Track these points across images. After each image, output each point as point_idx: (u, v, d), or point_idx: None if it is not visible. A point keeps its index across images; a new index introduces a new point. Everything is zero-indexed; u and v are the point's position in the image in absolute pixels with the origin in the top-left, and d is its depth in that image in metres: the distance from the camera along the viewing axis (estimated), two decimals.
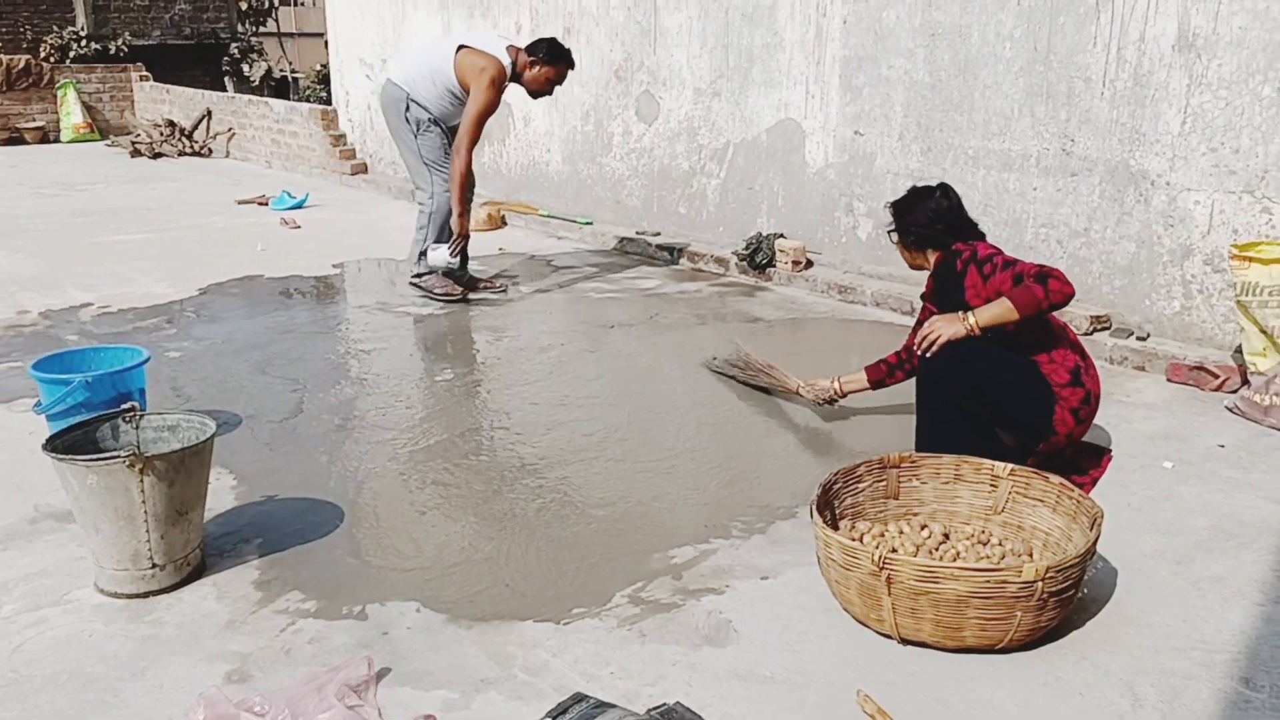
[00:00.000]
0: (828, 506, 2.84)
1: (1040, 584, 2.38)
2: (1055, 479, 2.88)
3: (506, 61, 5.48)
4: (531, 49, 5.55)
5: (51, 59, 15.44)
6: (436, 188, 5.70)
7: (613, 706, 2.18)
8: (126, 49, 16.37)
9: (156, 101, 13.97)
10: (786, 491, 3.40)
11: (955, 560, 2.77)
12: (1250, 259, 3.90)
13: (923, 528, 2.93)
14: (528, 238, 7.75)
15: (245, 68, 18.36)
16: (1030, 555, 2.84)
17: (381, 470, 3.59)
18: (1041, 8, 4.98)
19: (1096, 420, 3.61)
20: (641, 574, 2.88)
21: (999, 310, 3.13)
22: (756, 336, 5.22)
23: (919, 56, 5.56)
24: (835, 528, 2.83)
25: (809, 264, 6.17)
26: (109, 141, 13.54)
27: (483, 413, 4.16)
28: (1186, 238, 4.63)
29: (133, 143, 12.55)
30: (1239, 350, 4.20)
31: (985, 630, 2.44)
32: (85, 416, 3.06)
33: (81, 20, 16.64)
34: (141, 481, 2.66)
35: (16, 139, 13.69)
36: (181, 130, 12.70)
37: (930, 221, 3.43)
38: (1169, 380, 4.42)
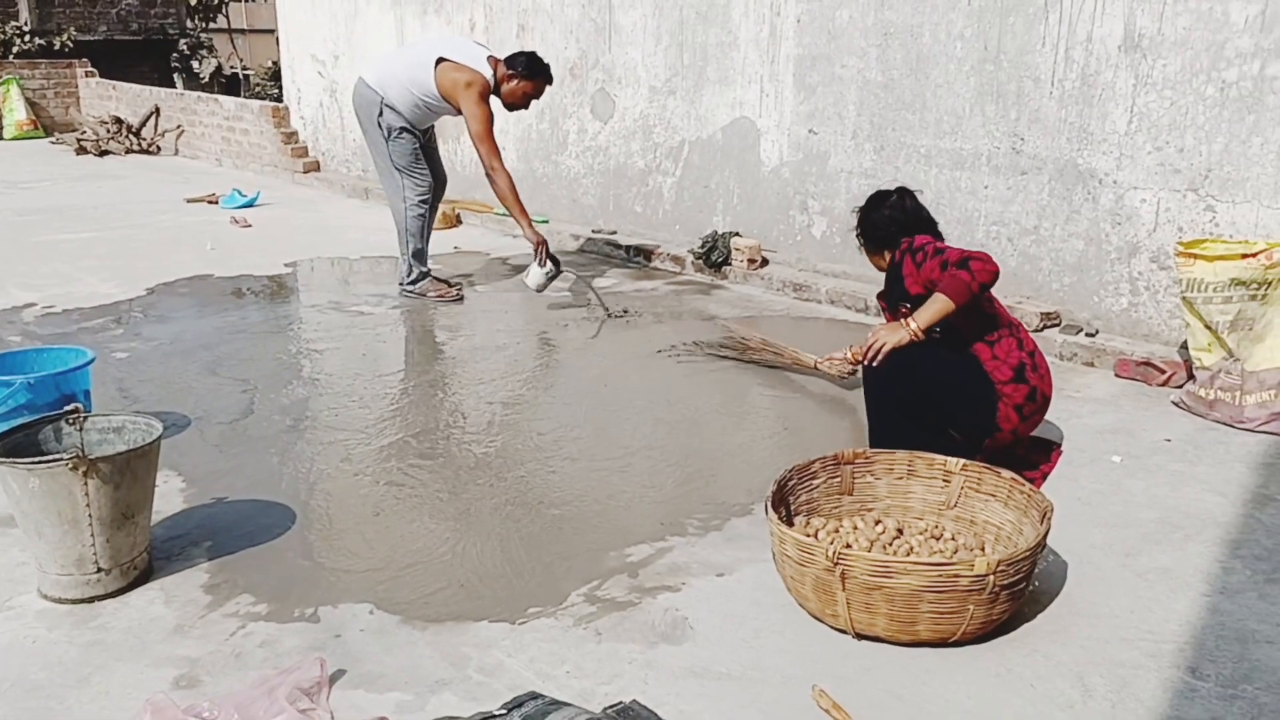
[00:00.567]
0: (783, 503, 2.85)
1: (992, 578, 2.40)
2: (1006, 474, 2.92)
3: (488, 73, 5.47)
4: (510, 62, 5.54)
5: None
6: (407, 193, 5.68)
7: (566, 704, 2.17)
8: (71, 44, 16.05)
9: (103, 98, 13.72)
10: (742, 488, 3.41)
11: (909, 555, 2.79)
12: (1195, 256, 3.96)
13: (877, 523, 2.95)
14: (483, 236, 7.70)
15: (195, 64, 18.07)
16: (982, 549, 2.87)
17: (334, 471, 3.55)
18: (992, 8, 5.04)
19: (1048, 415, 3.66)
20: (598, 572, 2.87)
21: (936, 308, 3.20)
22: (712, 335, 5.22)
23: (872, 55, 5.60)
24: (790, 524, 2.84)
25: (764, 262, 6.20)
26: (54, 139, 13.26)
27: (438, 412, 4.13)
28: (1133, 235, 4.71)
29: (78, 140, 12.31)
30: (1184, 346, 4.27)
31: (938, 624, 2.46)
32: (28, 419, 2.99)
33: (25, 15, 16.29)
34: (85, 484, 2.61)
35: None
36: (129, 127, 12.47)
37: (887, 224, 3.51)
38: (1117, 376, 4.49)
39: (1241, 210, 4.35)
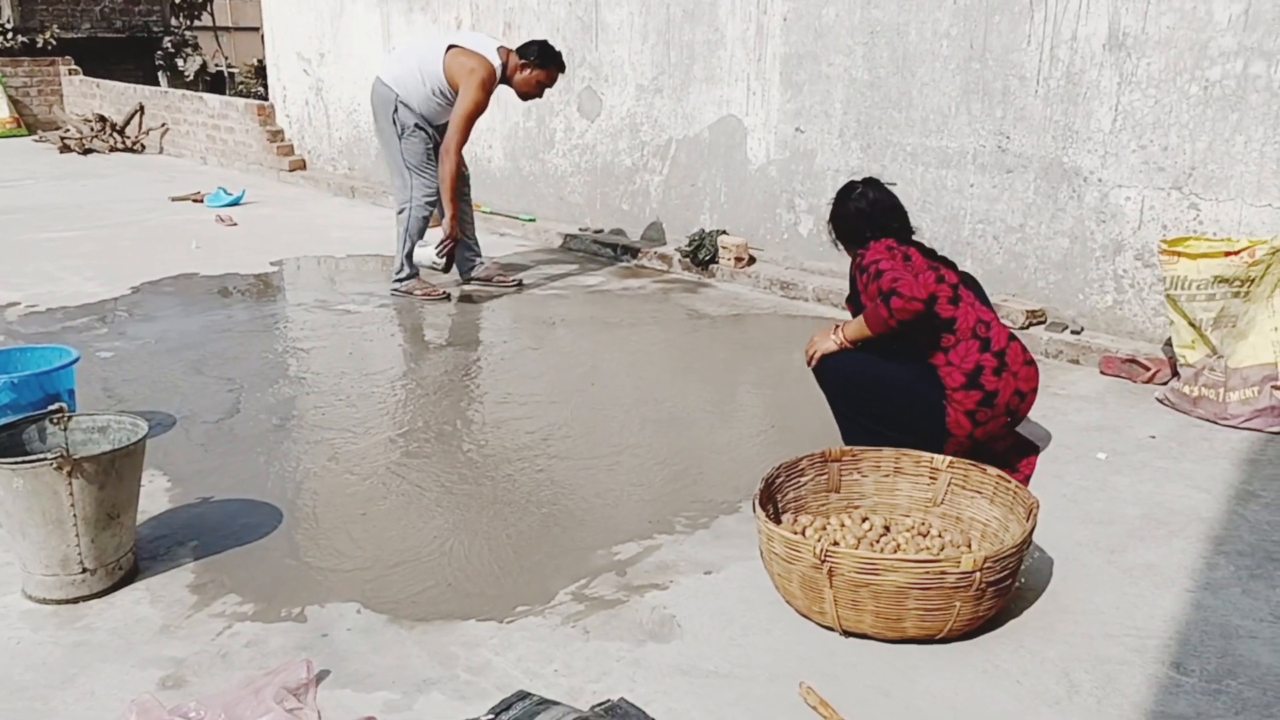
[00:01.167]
0: (770, 500, 2.86)
1: (978, 574, 2.41)
2: (993, 471, 2.93)
3: (497, 63, 5.47)
4: (523, 51, 5.55)
5: None
6: (415, 192, 5.68)
7: (556, 704, 2.17)
8: (54, 42, 15.95)
9: (86, 96, 13.63)
10: (729, 486, 3.41)
11: (895, 552, 2.80)
12: (1179, 254, 3.99)
13: (864, 520, 2.96)
14: None
15: (179, 62, 17.98)
16: (969, 546, 2.88)
17: (321, 470, 3.54)
18: (977, 6, 5.05)
19: (1033, 413, 3.67)
20: (585, 571, 2.87)
21: (858, 327, 3.33)
22: (699, 332, 5.23)
23: (858, 54, 5.61)
24: (778, 522, 2.84)
25: (751, 260, 6.20)
26: (37, 137, 13.18)
27: (425, 411, 4.12)
28: (1118, 233, 4.73)
29: (62, 138, 12.23)
30: (1169, 343, 4.30)
31: (925, 621, 2.47)
32: (11, 418, 2.97)
33: (7, 12, 16.17)
34: (70, 484, 2.59)
35: None
36: (113, 125, 12.40)
37: (854, 218, 3.49)
38: (1102, 373, 4.51)
39: (1225, 208, 4.37)
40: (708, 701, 2.31)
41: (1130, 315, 4.75)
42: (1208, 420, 3.93)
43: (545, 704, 2.16)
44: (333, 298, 5.84)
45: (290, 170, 10.13)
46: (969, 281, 3.47)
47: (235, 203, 8.70)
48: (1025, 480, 3.41)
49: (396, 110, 5.56)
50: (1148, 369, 4.37)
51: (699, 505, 3.28)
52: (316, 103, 9.99)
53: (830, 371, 3.46)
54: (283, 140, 10.42)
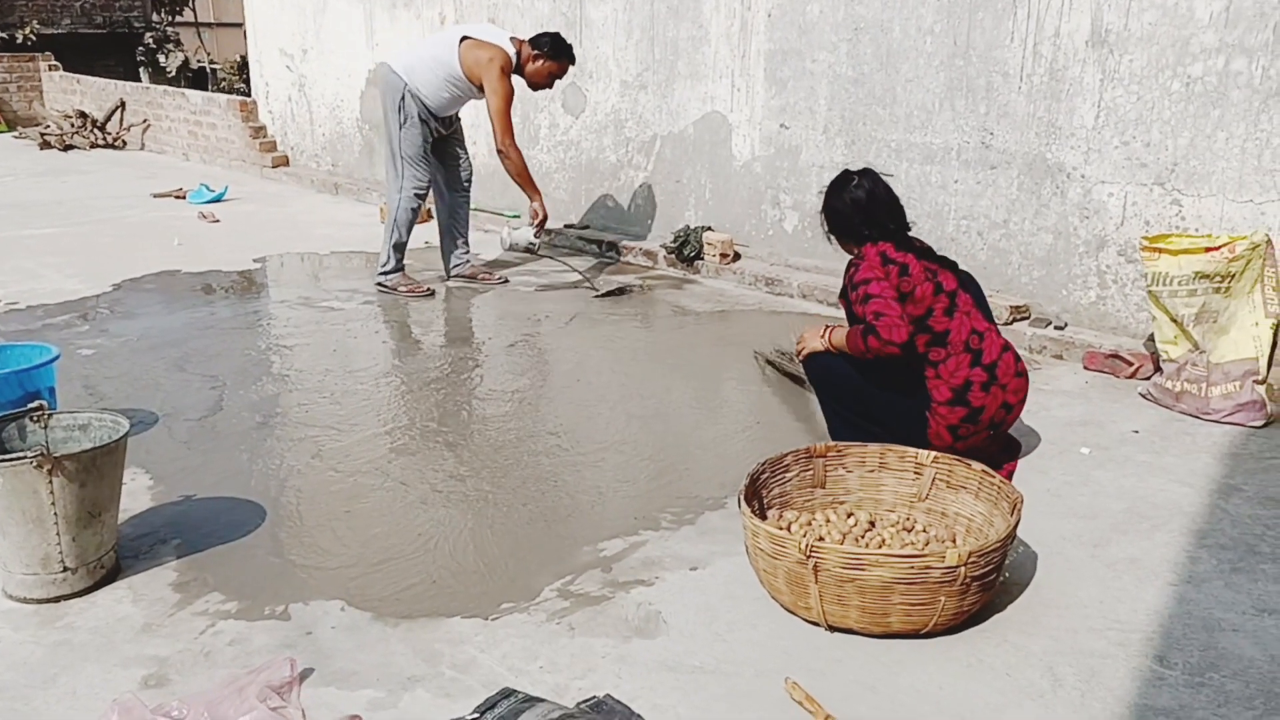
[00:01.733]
0: (756, 496, 2.86)
1: (963, 569, 2.42)
2: (977, 466, 2.94)
3: (511, 51, 5.50)
4: (535, 42, 5.60)
5: None
6: (405, 183, 5.70)
7: (541, 701, 2.16)
8: (34, 38, 15.83)
9: (67, 92, 13.53)
10: (715, 482, 3.41)
11: (880, 547, 2.80)
12: (1160, 250, 4.01)
13: (849, 515, 2.96)
14: None
15: (161, 58, 17.88)
16: (953, 541, 2.89)
17: (305, 468, 3.53)
18: (961, 3, 5.06)
19: None
20: (571, 567, 2.86)
21: (842, 339, 3.35)
22: (685, 329, 5.23)
23: (842, 50, 5.61)
24: (763, 517, 2.85)
25: (737, 256, 6.20)
26: (17, 133, 13.07)
27: (409, 408, 4.10)
28: (1101, 229, 4.75)
29: (42, 134, 12.13)
30: (1151, 338, 4.32)
31: (910, 615, 2.47)
32: None
33: None
34: (50, 482, 2.57)
35: None
36: (94, 122, 12.31)
37: (850, 212, 3.43)
38: (1086, 368, 4.53)
39: (1207, 204, 4.40)
40: (693, 697, 2.31)
41: (1113, 311, 4.77)
42: (1190, 415, 3.95)
43: (531, 701, 2.16)
44: (316, 294, 5.81)
45: (273, 166, 10.08)
46: (968, 283, 3.43)
47: (217, 199, 8.65)
48: (1009, 476, 3.42)
49: (403, 99, 5.57)
50: (1130, 364, 4.39)
51: (685, 501, 3.28)
52: (299, 99, 9.94)
53: (817, 368, 3.49)
54: (265, 136, 10.37)
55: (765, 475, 2.95)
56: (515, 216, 7.60)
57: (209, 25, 23.19)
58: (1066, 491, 3.33)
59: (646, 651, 2.47)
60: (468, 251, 6.12)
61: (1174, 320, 4.02)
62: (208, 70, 18.85)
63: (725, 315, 5.49)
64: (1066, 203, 4.85)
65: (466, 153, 6.04)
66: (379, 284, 5.84)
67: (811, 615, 2.55)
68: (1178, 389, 4.02)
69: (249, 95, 10.96)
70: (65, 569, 2.66)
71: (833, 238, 3.54)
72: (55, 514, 2.60)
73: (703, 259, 6.24)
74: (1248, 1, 4.17)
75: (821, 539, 2.77)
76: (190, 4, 21.56)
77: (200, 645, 2.49)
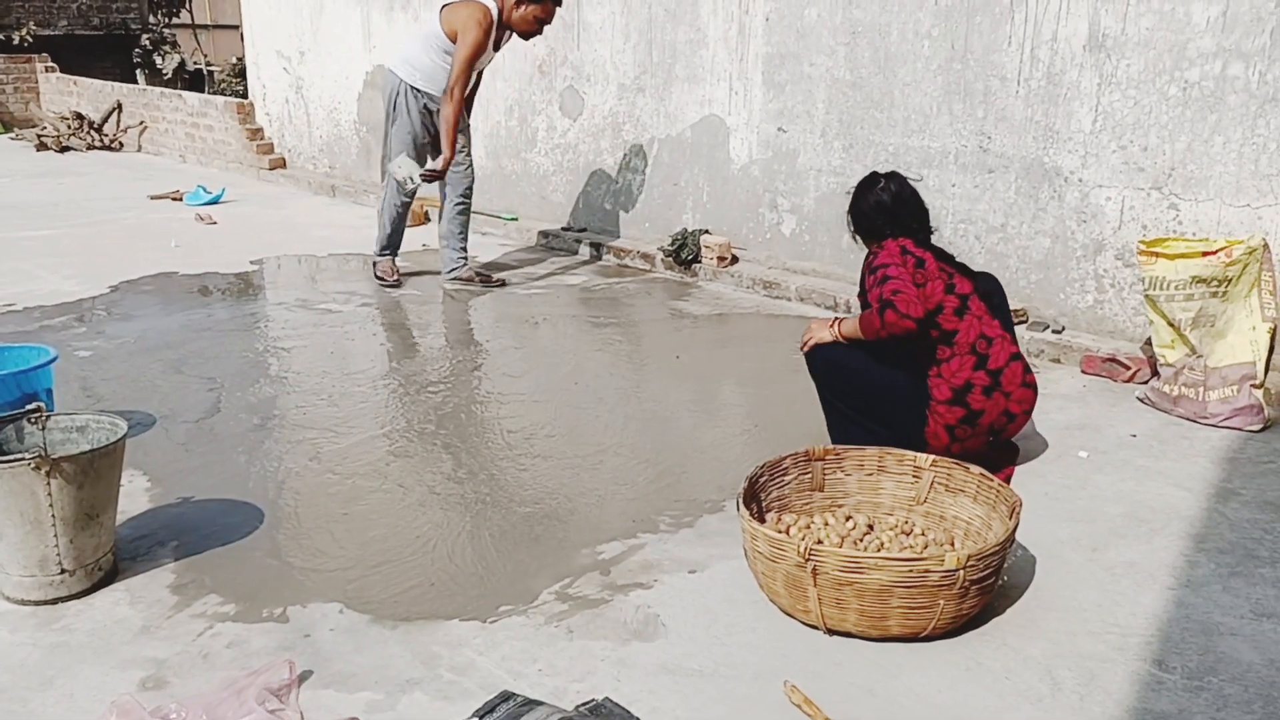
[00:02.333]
0: (754, 499, 2.86)
1: (962, 572, 2.42)
2: (975, 469, 2.94)
3: (493, 7, 5.50)
4: None
5: None
6: (390, 178, 5.81)
7: (540, 704, 2.16)
8: (31, 39, 15.81)
9: (63, 94, 13.51)
10: (713, 485, 3.41)
11: (879, 550, 2.80)
12: (1157, 254, 4.01)
13: (847, 519, 2.96)
14: None
15: (158, 60, 17.87)
16: (952, 544, 2.89)
17: (302, 470, 3.52)
18: (959, 7, 5.07)
19: None
20: (569, 570, 2.86)
21: (853, 326, 3.34)
22: (683, 332, 5.23)
23: (840, 54, 5.62)
24: (762, 520, 2.85)
25: (734, 260, 6.21)
26: (13, 135, 13.04)
27: (407, 410, 4.10)
28: (1099, 233, 4.76)
29: (39, 136, 12.11)
30: (1149, 343, 4.32)
31: (909, 619, 2.47)
32: None
33: None
34: (48, 484, 2.56)
35: None
36: (90, 123, 12.29)
37: (874, 213, 3.45)
38: (1083, 372, 4.54)
39: (1204, 208, 4.41)
40: (692, 700, 2.30)
41: (1111, 315, 4.78)
42: (1188, 419, 3.96)
43: (530, 704, 2.15)
44: (314, 296, 5.81)
45: (270, 169, 10.08)
46: (988, 289, 3.46)
47: (215, 201, 8.63)
48: (1007, 480, 3.42)
49: (396, 95, 5.65)
50: (1128, 368, 4.40)
51: (683, 504, 3.27)
52: (297, 101, 9.93)
53: (821, 361, 3.47)
54: (262, 138, 10.36)
55: (764, 478, 2.95)
56: (513, 219, 7.60)
57: (205, 27, 23.16)
58: (1065, 495, 3.34)
59: (645, 654, 2.47)
60: (464, 255, 6.12)
61: (1171, 324, 4.03)
62: (204, 72, 18.84)
63: (723, 318, 5.49)
64: (1064, 206, 4.85)
65: (471, 159, 6.00)
66: (375, 266, 6.07)
67: (810, 618, 2.55)
68: (1175, 393, 4.02)
69: (246, 97, 10.95)
70: (63, 571, 2.65)
71: (858, 238, 3.56)
72: (53, 516, 2.59)
73: (700, 262, 6.24)
74: (1244, 6, 4.18)
75: (820, 542, 2.77)
76: (187, 6, 21.54)
77: (198, 647, 2.49)
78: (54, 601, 2.66)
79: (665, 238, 6.55)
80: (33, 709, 2.27)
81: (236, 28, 15.52)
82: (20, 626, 2.58)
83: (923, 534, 2.93)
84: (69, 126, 12.22)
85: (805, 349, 3.53)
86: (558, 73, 7.24)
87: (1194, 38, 4.33)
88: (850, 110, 5.64)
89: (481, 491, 3.37)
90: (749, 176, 6.24)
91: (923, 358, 3.31)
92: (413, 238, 7.22)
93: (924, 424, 3.30)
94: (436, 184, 5.92)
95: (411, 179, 5.72)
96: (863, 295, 3.44)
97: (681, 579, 2.82)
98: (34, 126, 12.95)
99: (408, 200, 5.93)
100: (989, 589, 2.56)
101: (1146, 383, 4.26)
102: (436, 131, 5.71)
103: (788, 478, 3.04)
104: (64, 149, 11.87)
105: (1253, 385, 3.89)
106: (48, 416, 2.87)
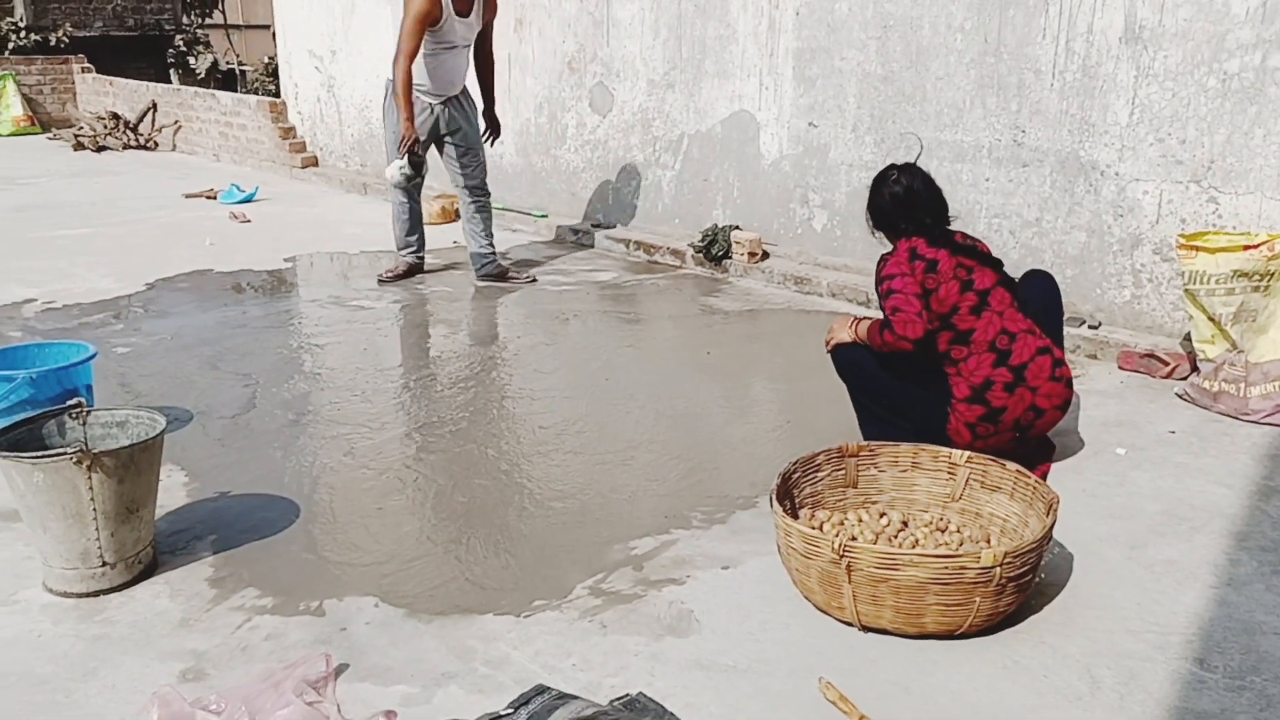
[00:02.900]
0: (787, 496, 2.85)
1: (998, 569, 2.40)
2: (1012, 466, 2.91)
3: None
4: None
5: None
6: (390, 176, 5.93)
7: (575, 698, 2.16)
8: (67, 40, 15.99)
9: (99, 94, 13.67)
10: (746, 481, 3.40)
11: (914, 547, 2.78)
12: (1197, 248, 3.96)
13: (881, 515, 2.95)
14: None
15: (191, 60, 18.03)
16: (988, 542, 2.86)
17: (337, 465, 3.55)
18: (992, 0, 5.02)
19: None
20: (602, 565, 2.86)
21: (868, 331, 3.35)
22: (713, 328, 5.22)
23: (871, 48, 5.59)
24: (795, 517, 2.83)
25: (765, 255, 6.19)
26: (51, 135, 13.22)
27: (440, 406, 4.12)
28: (1136, 227, 4.70)
29: (75, 136, 12.26)
30: (1188, 338, 4.27)
31: (945, 616, 2.45)
32: (30, 413, 2.98)
33: (20, 11, 16.23)
34: (90, 478, 2.60)
35: None
36: (126, 123, 12.43)
37: (890, 206, 3.44)
38: (1120, 368, 4.49)
39: (1244, 201, 4.34)
40: (726, 696, 2.30)
41: (1149, 310, 4.72)
42: (1228, 415, 3.90)
43: (564, 698, 2.16)
44: (346, 293, 5.85)
45: (302, 167, 10.15)
46: (1030, 286, 3.48)
47: (248, 199, 8.71)
48: (1043, 477, 3.39)
49: (385, 95, 5.87)
50: (1166, 364, 4.34)
51: (715, 500, 3.27)
52: (328, 99, 9.99)
53: (844, 360, 3.48)
54: (295, 137, 10.43)
55: (797, 474, 2.94)
56: (543, 216, 7.61)
57: (238, 27, 23.35)
58: (1102, 492, 3.30)
59: (679, 650, 2.47)
60: (491, 251, 6.11)
61: (1211, 319, 3.97)
62: (237, 72, 18.99)
63: (754, 314, 5.48)
64: (1100, 201, 4.80)
65: (477, 155, 5.97)
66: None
67: (845, 615, 2.54)
68: (1215, 389, 3.97)
69: (278, 96, 11.03)
70: (104, 564, 2.69)
71: (878, 233, 3.54)
72: (94, 510, 2.62)
73: (730, 258, 6.22)
74: None
75: (854, 539, 2.75)
76: (219, 6, 21.74)
77: (237, 640, 2.51)
78: (95, 594, 2.69)
79: (695, 233, 6.54)
80: (76, 699, 2.30)
81: (268, 27, 15.65)
82: (63, 618, 2.61)
83: (958, 531, 2.90)
84: (105, 126, 12.36)
85: (828, 348, 3.55)
86: (587, 69, 7.24)
87: (1233, 28, 4.26)
88: (882, 104, 5.61)
89: (514, 487, 3.38)
90: (779, 172, 6.22)
91: (940, 359, 3.29)
92: (444, 234, 7.27)
93: (945, 422, 3.28)
94: (462, 177, 5.92)
95: (402, 169, 5.80)
96: (876, 290, 3.43)
97: (714, 575, 2.81)
98: (71, 126, 13.11)
99: (408, 190, 5.96)
100: (1026, 586, 2.54)
101: (1185, 378, 4.21)
102: (430, 129, 5.78)
103: (821, 474, 3.02)
104: (100, 148, 12.01)
105: None
106: (88, 412, 2.91)
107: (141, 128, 12.42)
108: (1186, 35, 4.40)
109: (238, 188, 8.87)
